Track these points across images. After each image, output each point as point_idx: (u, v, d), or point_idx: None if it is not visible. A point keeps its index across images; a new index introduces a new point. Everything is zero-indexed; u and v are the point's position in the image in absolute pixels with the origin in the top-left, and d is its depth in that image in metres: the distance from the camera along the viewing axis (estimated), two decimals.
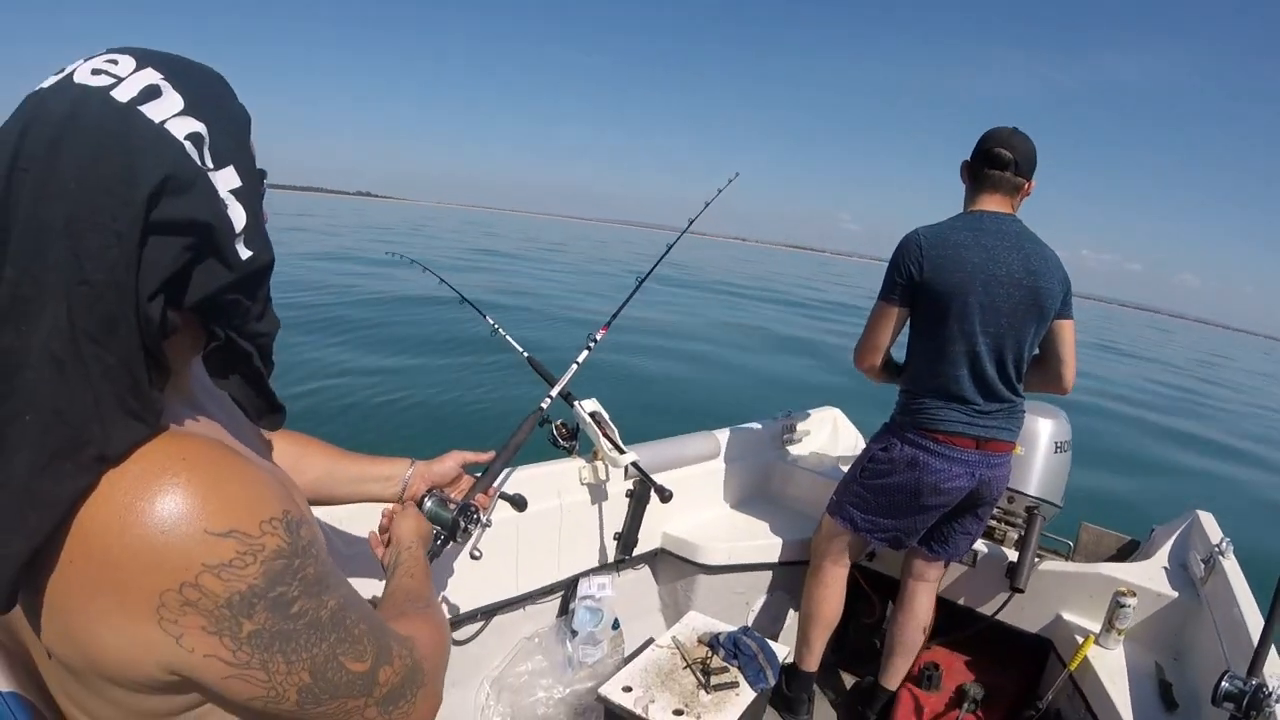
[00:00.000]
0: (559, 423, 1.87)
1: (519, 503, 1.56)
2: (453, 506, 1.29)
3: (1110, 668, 1.83)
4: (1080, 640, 1.91)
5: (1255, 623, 1.59)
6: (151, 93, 0.58)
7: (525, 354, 2.11)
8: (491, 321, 2.24)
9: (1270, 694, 1.27)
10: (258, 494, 0.60)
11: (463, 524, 1.30)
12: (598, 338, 1.90)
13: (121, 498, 0.56)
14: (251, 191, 0.63)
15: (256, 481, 0.61)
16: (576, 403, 1.97)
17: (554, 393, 1.78)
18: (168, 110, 0.58)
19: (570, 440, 1.90)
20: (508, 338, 2.18)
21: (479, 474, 1.40)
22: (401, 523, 1.12)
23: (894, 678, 2.10)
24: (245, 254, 0.62)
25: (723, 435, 2.49)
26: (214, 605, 0.56)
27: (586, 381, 1.88)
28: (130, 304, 0.55)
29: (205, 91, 0.62)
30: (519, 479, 1.82)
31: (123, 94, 0.57)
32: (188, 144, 0.58)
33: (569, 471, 2.00)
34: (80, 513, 0.55)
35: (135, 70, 0.59)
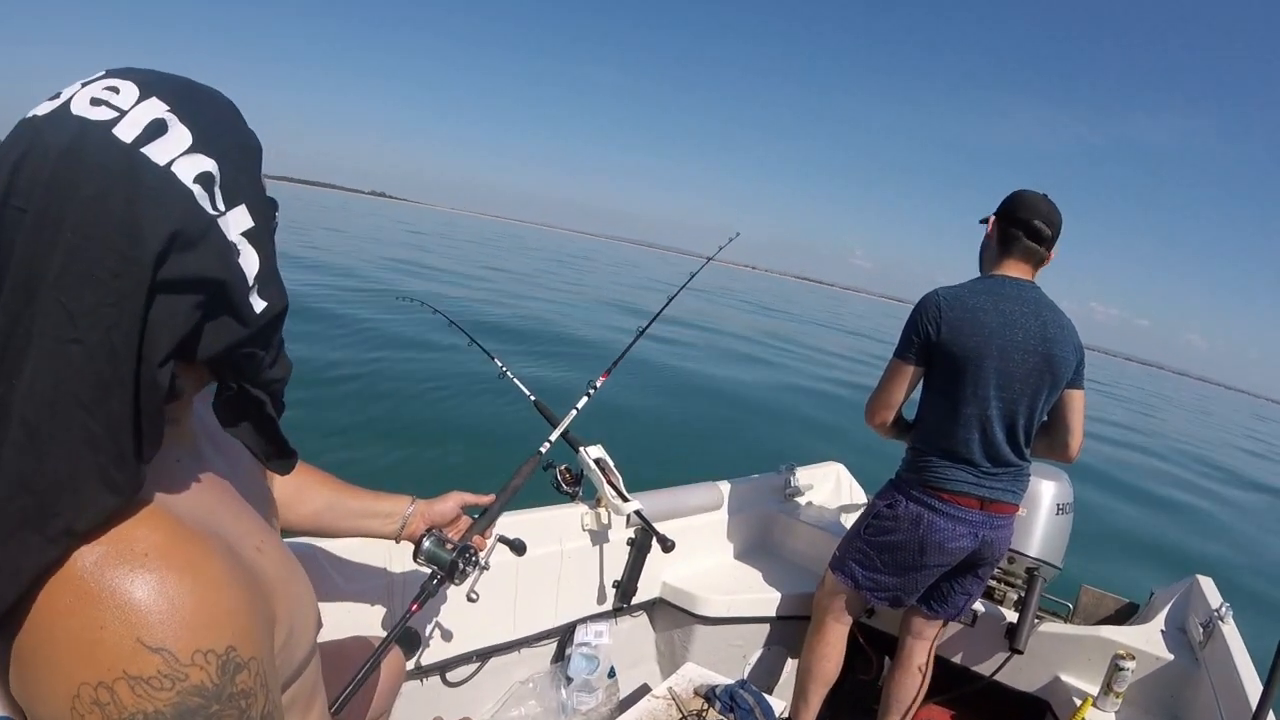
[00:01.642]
0: (563, 468, 1.86)
1: (518, 547, 1.56)
2: (451, 548, 1.29)
3: None
4: (1078, 702, 1.90)
5: (1254, 688, 1.59)
6: (157, 129, 0.53)
7: (532, 397, 2.10)
8: (499, 364, 2.20)
9: None
10: (208, 617, 0.55)
11: (461, 565, 1.30)
12: (598, 384, 1.88)
13: (75, 582, 0.53)
14: (263, 230, 0.59)
15: (218, 599, 0.56)
16: (581, 448, 1.97)
17: (553, 437, 1.77)
18: (175, 149, 0.54)
19: (574, 486, 1.88)
20: (515, 380, 2.15)
21: (478, 515, 1.41)
22: None
23: None
24: (259, 306, 0.59)
25: (725, 486, 2.50)
26: (117, 717, 0.52)
27: (593, 423, 1.87)
28: (129, 368, 0.52)
29: (214, 122, 0.58)
30: (521, 523, 1.82)
31: (125, 132, 0.52)
32: (197, 188, 0.54)
33: (571, 517, 2.01)
34: (45, 585, 0.53)
35: (138, 101, 0.54)
